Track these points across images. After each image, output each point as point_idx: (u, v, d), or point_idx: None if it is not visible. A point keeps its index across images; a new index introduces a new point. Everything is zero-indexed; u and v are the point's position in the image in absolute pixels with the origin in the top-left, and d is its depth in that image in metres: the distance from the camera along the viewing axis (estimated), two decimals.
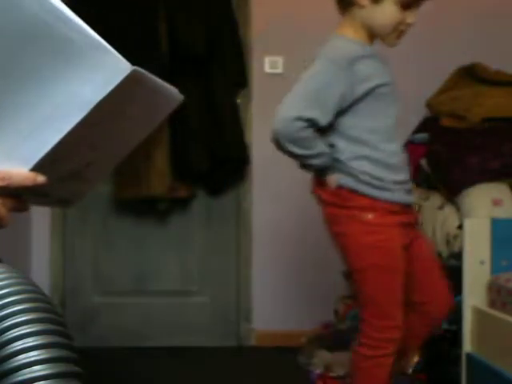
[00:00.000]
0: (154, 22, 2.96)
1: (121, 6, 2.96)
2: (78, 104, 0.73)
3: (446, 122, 2.79)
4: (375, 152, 1.70)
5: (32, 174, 0.78)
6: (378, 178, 1.69)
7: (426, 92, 2.97)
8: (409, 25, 1.73)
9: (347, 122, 1.69)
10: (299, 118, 1.62)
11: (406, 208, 1.76)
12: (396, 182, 1.71)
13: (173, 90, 0.82)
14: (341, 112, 1.68)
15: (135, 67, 0.73)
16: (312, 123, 1.63)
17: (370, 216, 1.70)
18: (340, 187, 1.71)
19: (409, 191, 1.77)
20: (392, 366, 1.76)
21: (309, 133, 1.65)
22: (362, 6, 1.69)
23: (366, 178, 1.69)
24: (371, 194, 1.69)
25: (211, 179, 3.15)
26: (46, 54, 0.73)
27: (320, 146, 1.68)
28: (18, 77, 0.75)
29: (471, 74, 2.89)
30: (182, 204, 3.24)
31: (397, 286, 1.72)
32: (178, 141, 3.01)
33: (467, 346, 2.15)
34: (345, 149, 1.70)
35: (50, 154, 0.76)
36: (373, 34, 1.76)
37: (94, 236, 3.27)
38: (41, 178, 0.78)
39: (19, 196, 0.81)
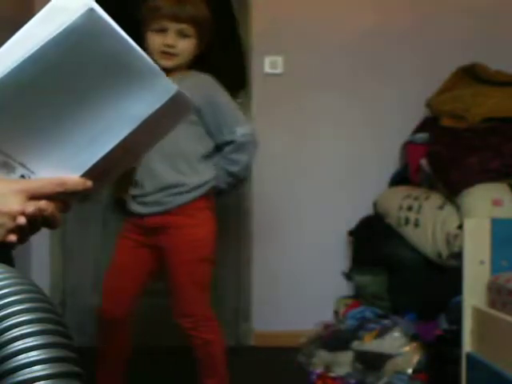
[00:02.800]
0: None
1: (121, 6, 2.95)
2: (129, 119, 0.85)
3: (446, 121, 2.79)
4: None
5: (83, 180, 0.87)
6: None
7: (426, 92, 2.97)
8: (168, 45, 1.97)
9: None
10: None
11: (144, 216, 2.04)
12: (131, 196, 2.06)
13: (189, 98, 0.92)
14: None
15: (177, 88, 0.85)
16: None
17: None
18: None
19: (142, 203, 2.04)
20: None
21: None
22: None
23: None
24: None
25: None
26: (113, 79, 0.83)
27: None
28: (86, 97, 0.84)
29: (471, 74, 2.89)
30: None
31: (109, 273, 2.12)
32: None
33: (467, 346, 2.14)
34: None
35: (98, 162, 0.87)
36: None
37: (93, 236, 3.27)
38: (89, 183, 0.88)
39: (66, 198, 0.90)
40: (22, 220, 0.83)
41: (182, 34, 1.98)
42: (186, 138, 1.98)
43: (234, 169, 2.07)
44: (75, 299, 3.23)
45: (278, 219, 3.22)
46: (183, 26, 1.96)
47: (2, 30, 2.67)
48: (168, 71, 1.95)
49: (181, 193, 2.02)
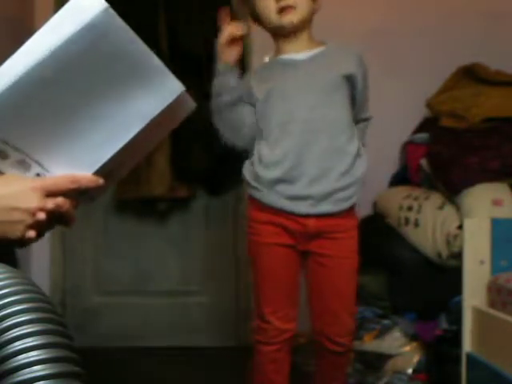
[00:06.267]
0: (153, 22, 2.97)
1: (120, 6, 2.96)
2: (139, 118, 0.87)
3: (446, 121, 2.79)
4: (255, 151, 1.77)
5: (95, 178, 0.90)
6: (255, 175, 1.74)
7: (426, 92, 2.97)
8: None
9: None
10: None
11: (293, 215, 1.70)
12: (272, 184, 1.71)
13: (190, 99, 0.96)
14: None
15: (184, 87, 0.88)
16: None
17: (248, 210, 1.80)
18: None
19: (293, 198, 1.70)
20: (279, 363, 1.79)
21: None
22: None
23: (249, 175, 1.78)
24: (249, 191, 1.78)
25: (211, 179, 3.15)
26: (124, 77, 0.85)
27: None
28: (99, 96, 0.86)
29: (471, 74, 2.89)
30: (182, 204, 3.23)
31: (262, 281, 1.76)
32: (178, 141, 3.01)
33: (467, 346, 2.15)
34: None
35: (109, 160, 0.89)
36: (275, 35, 1.88)
37: (94, 236, 3.27)
38: (101, 181, 0.91)
39: (77, 196, 0.92)
40: (41, 216, 0.86)
41: None
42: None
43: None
44: (75, 299, 3.23)
45: None
46: None
47: (2, 30, 2.68)
48: (299, 44, 1.90)
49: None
